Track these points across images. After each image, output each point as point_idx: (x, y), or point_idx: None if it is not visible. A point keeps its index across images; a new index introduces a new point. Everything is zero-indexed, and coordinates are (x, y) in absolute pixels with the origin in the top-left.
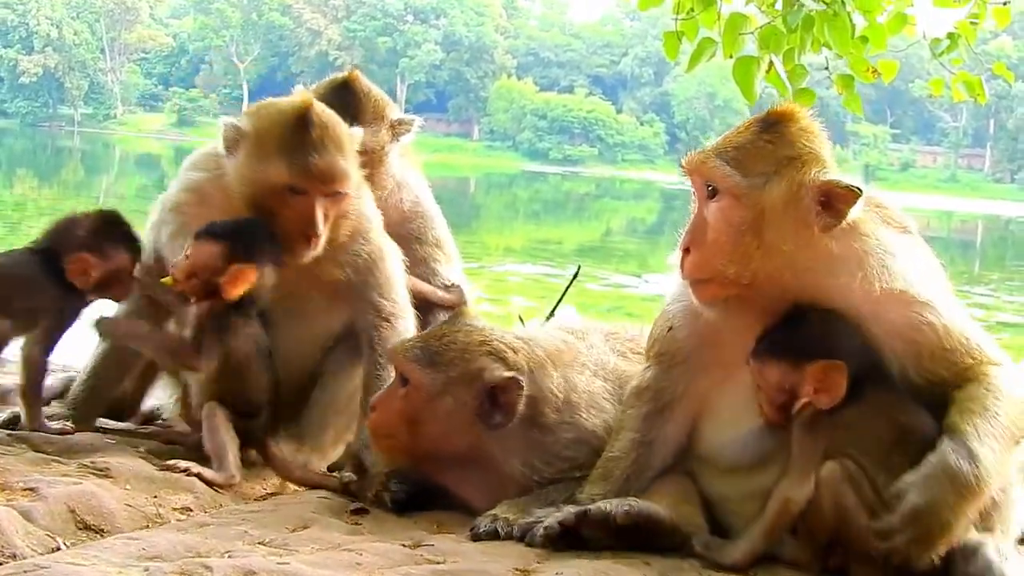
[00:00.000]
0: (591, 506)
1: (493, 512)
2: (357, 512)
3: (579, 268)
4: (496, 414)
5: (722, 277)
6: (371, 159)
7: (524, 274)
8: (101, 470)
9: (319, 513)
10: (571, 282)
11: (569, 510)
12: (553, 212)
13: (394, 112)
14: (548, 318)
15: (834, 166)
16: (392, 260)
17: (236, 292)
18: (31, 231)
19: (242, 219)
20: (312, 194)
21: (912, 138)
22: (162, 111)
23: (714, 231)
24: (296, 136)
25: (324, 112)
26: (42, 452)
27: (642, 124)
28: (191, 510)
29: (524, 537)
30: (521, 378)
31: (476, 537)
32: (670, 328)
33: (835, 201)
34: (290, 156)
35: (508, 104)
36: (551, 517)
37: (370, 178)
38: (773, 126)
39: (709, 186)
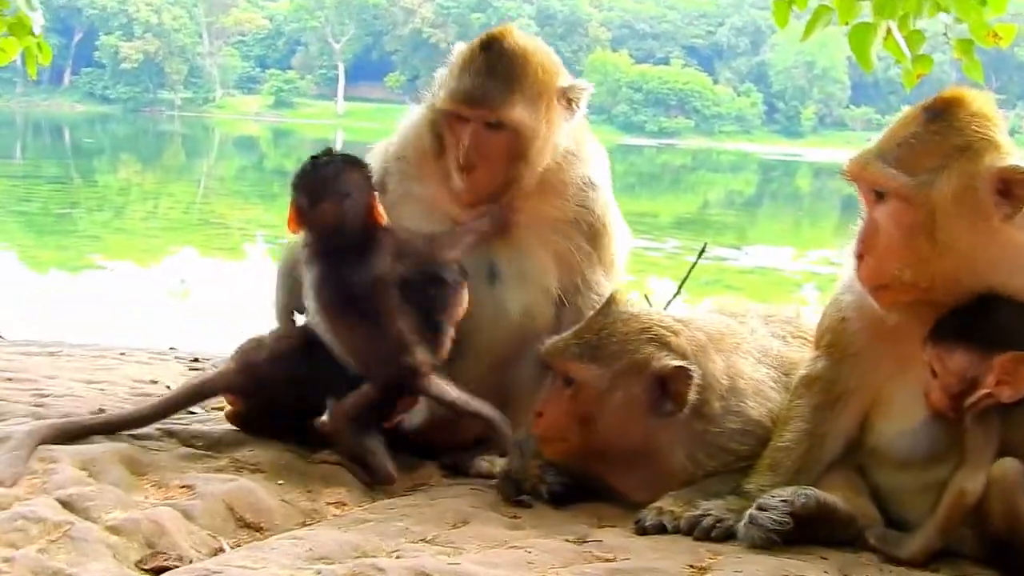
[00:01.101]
0: (776, 497)
1: (658, 505)
2: (517, 504)
3: (705, 245)
4: (667, 403)
5: (899, 282)
6: None
7: None
8: (253, 465)
9: (476, 507)
10: (697, 259)
11: (770, 502)
12: (649, 185)
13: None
14: (675, 296)
15: (1014, 151)
16: (619, 236)
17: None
18: (136, 214)
19: None
20: (472, 120)
21: (1018, 104)
22: (260, 93)
23: (886, 235)
24: (465, 64)
25: (516, 42)
26: (192, 447)
27: (739, 95)
28: (345, 504)
29: (692, 531)
30: (691, 367)
31: (642, 531)
32: (842, 319)
33: (1014, 187)
34: (456, 79)
35: (603, 77)
36: (760, 517)
37: None
38: (940, 115)
39: (876, 190)
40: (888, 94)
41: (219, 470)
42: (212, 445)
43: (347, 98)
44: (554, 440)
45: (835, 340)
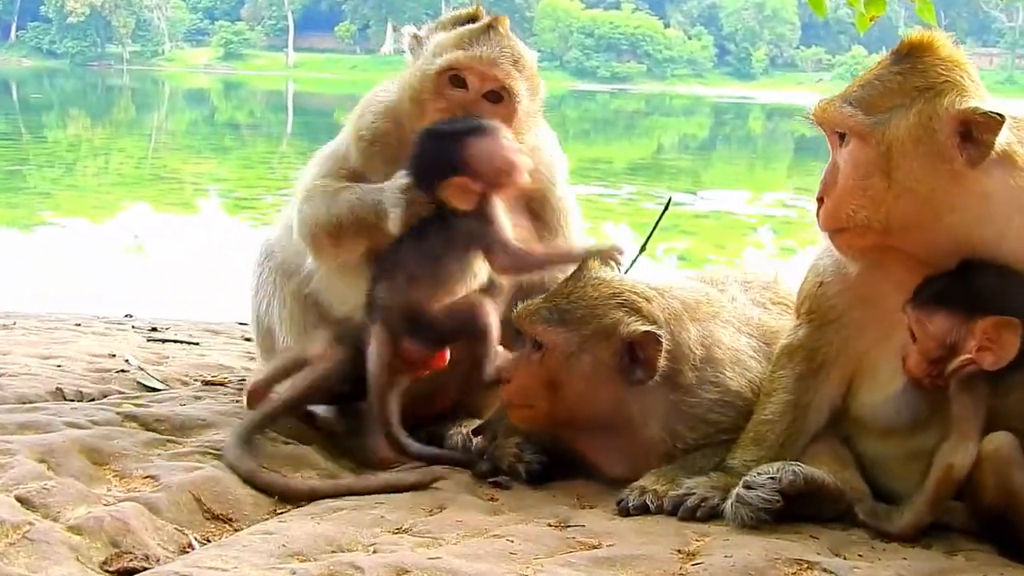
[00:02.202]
0: (763, 475)
1: (640, 484)
2: (494, 485)
3: (670, 200)
4: (636, 370)
5: (854, 224)
6: None
7: (576, 195)
8: (218, 450)
9: (453, 491)
10: (662, 214)
11: (757, 480)
12: (603, 131)
13: None
14: (640, 251)
15: (981, 96)
16: (575, 208)
17: None
18: (87, 170)
19: None
20: (472, 88)
21: (967, 40)
22: (209, 45)
23: (843, 176)
24: (472, 33)
25: (510, 30)
26: (154, 432)
27: (690, 38)
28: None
29: (676, 511)
30: (659, 332)
31: (624, 512)
32: (820, 284)
33: (976, 131)
34: (459, 45)
35: (554, 23)
36: (747, 496)
37: None
38: (905, 58)
39: (839, 132)
40: (838, 34)
41: (183, 456)
42: (175, 429)
43: (297, 49)
44: (522, 406)
45: (815, 306)
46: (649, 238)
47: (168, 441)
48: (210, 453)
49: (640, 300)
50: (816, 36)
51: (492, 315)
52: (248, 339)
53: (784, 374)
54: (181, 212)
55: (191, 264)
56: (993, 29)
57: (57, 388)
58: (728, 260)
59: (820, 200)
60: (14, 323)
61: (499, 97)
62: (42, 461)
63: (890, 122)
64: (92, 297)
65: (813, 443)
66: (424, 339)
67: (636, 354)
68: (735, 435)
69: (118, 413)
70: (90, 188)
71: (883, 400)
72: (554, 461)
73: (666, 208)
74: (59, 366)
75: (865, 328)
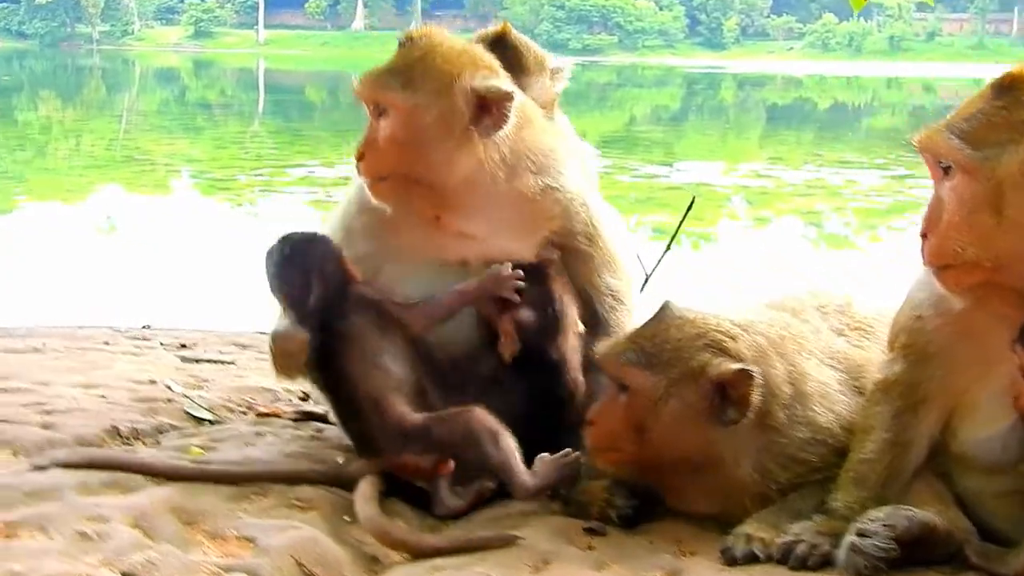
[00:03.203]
0: (876, 521)
1: (744, 531)
2: (588, 532)
3: (693, 199)
4: (728, 410)
5: (962, 261)
6: (545, 114)
7: None
8: (304, 501)
9: (549, 542)
10: (685, 214)
11: (871, 527)
12: (575, 103)
13: (551, 60)
14: (665, 251)
15: None
16: (609, 229)
17: None
18: (58, 152)
19: None
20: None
21: (937, 6)
22: (179, 24)
23: (949, 212)
24: None
25: (429, 34)
26: (233, 483)
27: (661, 8)
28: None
29: (786, 559)
30: (752, 369)
31: (732, 561)
32: (918, 317)
33: None
34: None
35: None
36: (863, 544)
37: None
38: (1008, 90)
39: (942, 164)
40: (808, 2)
41: (271, 512)
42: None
43: (267, 26)
44: (607, 450)
45: (911, 340)
46: (673, 239)
47: (249, 493)
48: (296, 507)
49: (726, 339)
50: (787, 5)
51: (489, 421)
52: None
53: (881, 411)
54: (154, 193)
55: (168, 246)
56: None
57: (112, 426)
58: (703, 232)
59: (924, 236)
60: (43, 344)
61: (384, 111)
62: (136, 527)
63: (1001, 158)
64: (83, 283)
65: (914, 480)
66: (416, 450)
67: (728, 394)
68: (829, 473)
69: (194, 462)
70: (62, 170)
71: (988, 437)
72: (642, 501)
73: (689, 208)
74: (103, 396)
75: (966, 364)
